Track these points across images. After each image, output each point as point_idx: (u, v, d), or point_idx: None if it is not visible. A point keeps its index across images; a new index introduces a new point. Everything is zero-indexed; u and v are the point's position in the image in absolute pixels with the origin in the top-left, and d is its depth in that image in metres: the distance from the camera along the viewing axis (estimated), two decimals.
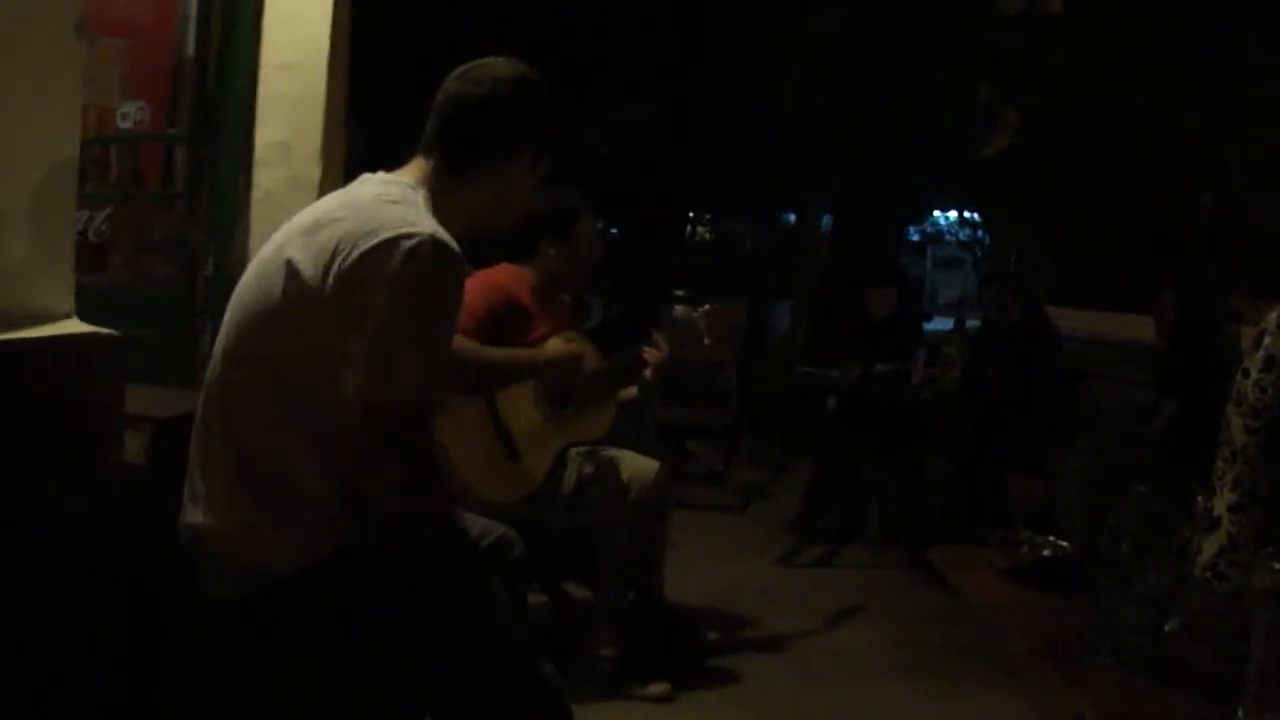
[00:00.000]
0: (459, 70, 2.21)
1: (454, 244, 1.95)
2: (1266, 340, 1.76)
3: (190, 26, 3.62)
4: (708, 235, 16.87)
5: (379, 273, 1.87)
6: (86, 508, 2.21)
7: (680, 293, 9.51)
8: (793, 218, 12.93)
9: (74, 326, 2.30)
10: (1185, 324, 5.90)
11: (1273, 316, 1.77)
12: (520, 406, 3.65)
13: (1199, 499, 1.67)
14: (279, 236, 2.07)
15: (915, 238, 14.75)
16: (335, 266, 1.90)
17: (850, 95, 9.39)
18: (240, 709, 2.07)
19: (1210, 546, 1.76)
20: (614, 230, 15.45)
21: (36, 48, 2.24)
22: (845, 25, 8.95)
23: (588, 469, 3.75)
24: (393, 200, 2.02)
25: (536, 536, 3.26)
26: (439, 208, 2.06)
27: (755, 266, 12.70)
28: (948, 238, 15.91)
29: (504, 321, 3.60)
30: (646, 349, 3.78)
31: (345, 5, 3.52)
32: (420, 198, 2.06)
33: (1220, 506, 1.76)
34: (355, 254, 1.89)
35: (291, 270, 1.95)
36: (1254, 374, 1.75)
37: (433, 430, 2.01)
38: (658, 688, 3.73)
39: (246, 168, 3.53)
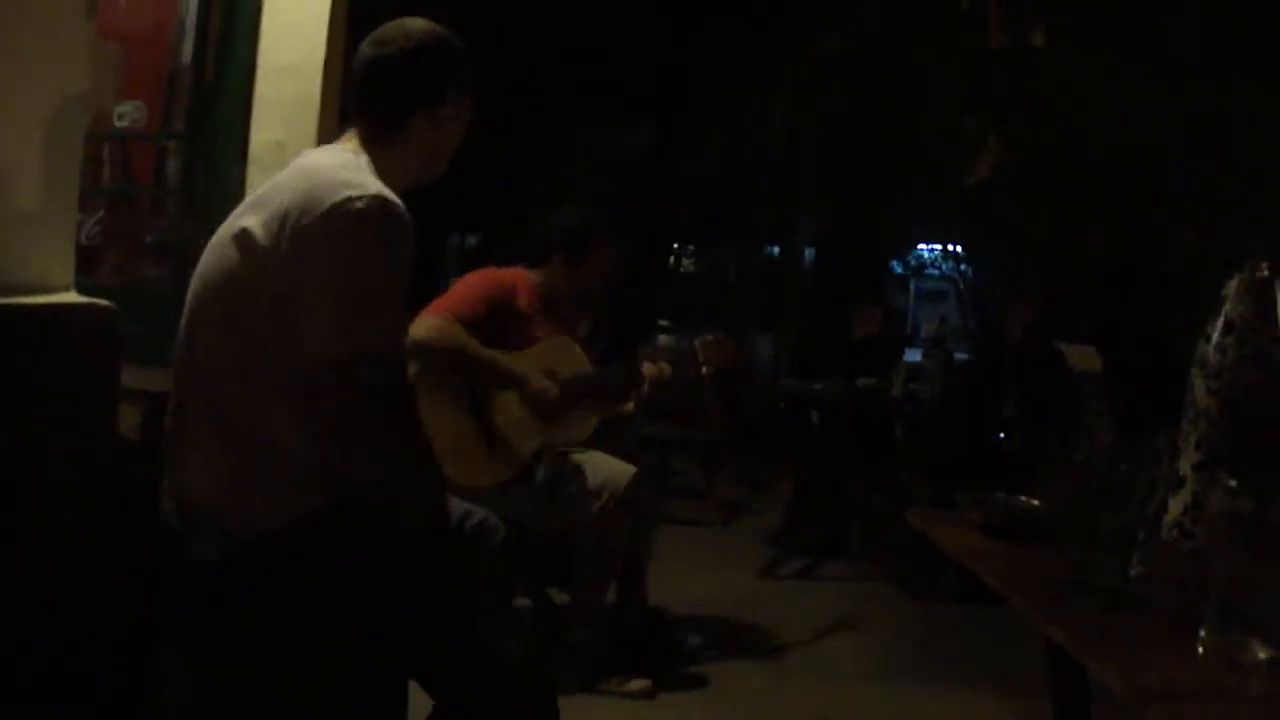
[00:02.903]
0: (370, 36, 2.29)
1: (400, 204, 2.02)
2: (1226, 306, 1.83)
3: (188, 31, 3.69)
4: (692, 266, 16.96)
5: (330, 233, 1.94)
6: (79, 477, 2.23)
7: (664, 323, 9.56)
8: (777, 249, 13.01)
9: (72, 298, 2.35)
10: (1131, 348, 5.78)
11: (1232, 284, 1.85)
12: (504, 398, 3.70)
13: (1163, 456, 1.73)
14: (236, 210, 2.15)
15: (899, 270, 14.84)
16: (287, 230, 1.97)
17: (837, 125, 9.52)
18: (229, 667, 2.11)
19: (1176, 505, 1.82)
20: None
21: (45, 26, 2.30)
22: (835, 56, 9.09)
23: (562, 468, 3.80)
24: (337, 165, 2.10)
25: (519, 540, 3.31)
26: (379, 168, 2.14)
27: (740, 297, 12.77)
28: (930, 270, 16.00)
29: (499, 317, 3.68)
30: (646, 364, 3.84)
31: (342, 12, 3.60)
32: (363, 162, 2.15)
33: (1185, 466, 1.82)
34: (306, 218, 1.96)
35: (245, 238, 2.02)
36: (1215, 338, 1.83)
37: (404, 385, 2.06)
38: (638, 684, 3.77)
39: (241, 167, 3.59)
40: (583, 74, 10.96)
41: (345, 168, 2.08)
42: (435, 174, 2.33)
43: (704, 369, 3.84)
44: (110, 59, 3.72)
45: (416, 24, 2.28)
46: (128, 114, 3.79)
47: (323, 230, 1.95)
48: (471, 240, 13.86)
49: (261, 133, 3.57)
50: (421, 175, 2.28)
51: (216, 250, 2.10)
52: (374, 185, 2.02)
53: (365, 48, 2.27)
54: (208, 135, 3.58)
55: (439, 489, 2.19)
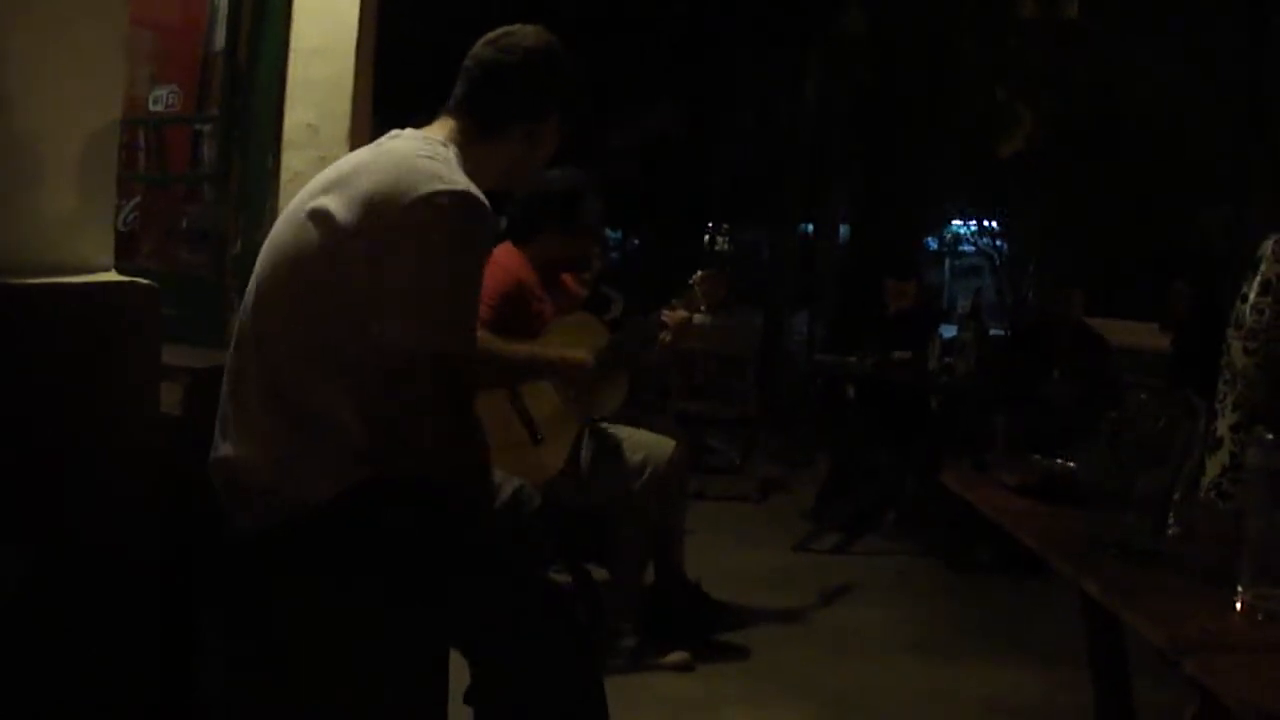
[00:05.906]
0: (489, 36, 2.30)
1: (485, 200, 2.03)
2: (1263, 266, 1.83)
3: (220, 15, 3.71)
4: (726, 245, 16.96)
5: (417, 226, 1.95)
6: (123, 449, 2.26)
7: None
8: (810, 227, 12.99)
9: (113, 276, 2.38)
10: (1198, 314, 5.81)
11: (1268, 245, 1.84)
12: (541, 391, 3.70)
13: (1200, 415, 1.73)
14: (311, 185, 2.16)
15: (934, 246, 14.81)
16: (370, 215, 1.98)
17: (868, 99, 9.49)
18: (271, 639, 2.14)
19: (1213, 466, 1.83)
20: (635, 240, 15.52)
21: (81, 14, 2.33)
22: (864, 29, 9.05)
23: (605, 445, 3.82)
24: (427, 156, 2.10)
25: (557, 516, 3.33)
26: (464, 164, 2.15)
27: (773, 276, 12.77)
28: (966, 246, 15.95)
29: (514, 305, 3.64)
30: (665, 312, 3.82)
31: None
32: (452, 155, 2.15)
33: (1223, 427, 1.83)
34: (392, 205, 1.97)
35: (324, 216, 2.03)
36: (1251, 298, 1.83)
37: (471, 383, 2.07)
38: (677, 656, 3.80)
39: (275, 149, 3.61)
40: (612, 55, 10.95)
41: (435, 159, 2.09)
42: (510, 186, 2.36)
43: (702, 306, 3.83)
44: (143, 46, 3.74)
45: (541, 38, 2.29)
46: (163, 98, 3.82)
47: (409, 221, 1.96)
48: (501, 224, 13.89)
49: (294, 115, 3.59)
50: (497, 182, 2.27)
51: (290, 226, 2.11)
52: (462, 180, 2.03)
53: (484, 48, 2.27)
54: (242, 119, 3.60)
55: (490, 488, 2.20)
